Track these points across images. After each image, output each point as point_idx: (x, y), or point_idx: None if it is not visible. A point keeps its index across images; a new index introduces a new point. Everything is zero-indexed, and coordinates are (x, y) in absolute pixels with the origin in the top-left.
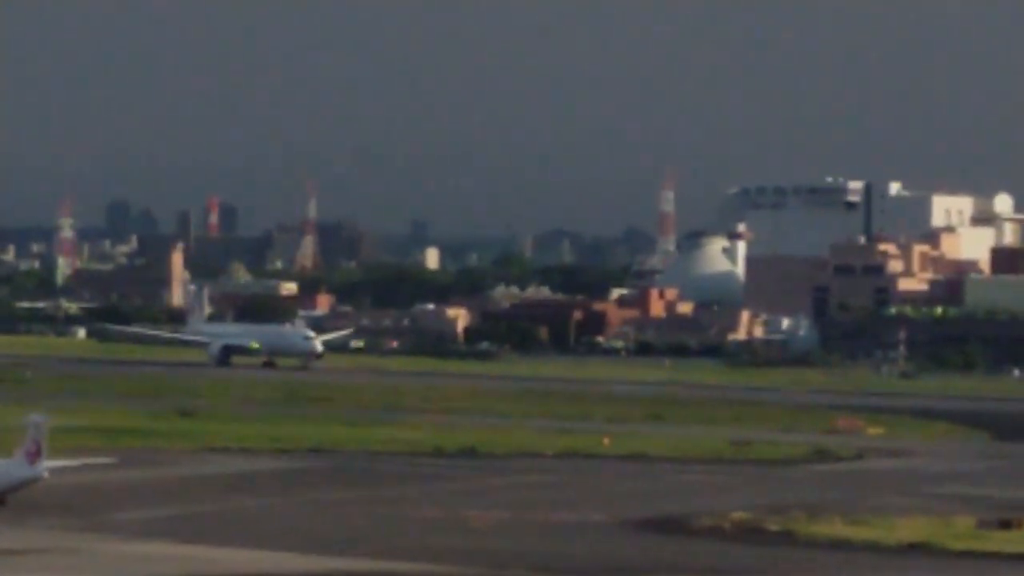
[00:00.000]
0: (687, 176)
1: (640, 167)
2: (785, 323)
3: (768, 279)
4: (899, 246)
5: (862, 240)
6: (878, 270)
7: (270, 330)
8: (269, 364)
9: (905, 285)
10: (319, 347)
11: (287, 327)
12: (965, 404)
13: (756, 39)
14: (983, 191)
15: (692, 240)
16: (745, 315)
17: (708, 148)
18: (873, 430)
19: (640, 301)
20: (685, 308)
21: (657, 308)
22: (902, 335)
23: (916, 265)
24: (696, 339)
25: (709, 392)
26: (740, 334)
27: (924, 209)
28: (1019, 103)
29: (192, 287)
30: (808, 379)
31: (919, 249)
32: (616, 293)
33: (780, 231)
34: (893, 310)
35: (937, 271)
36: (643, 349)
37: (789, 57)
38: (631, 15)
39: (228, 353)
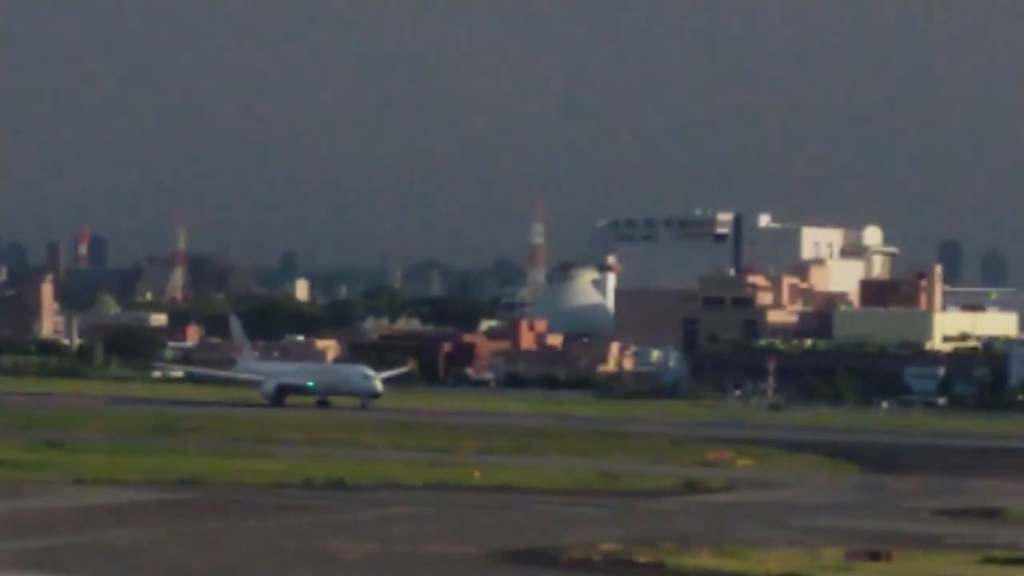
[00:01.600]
0: (557, 208)
1: (510, 199)
2: (654, 355)
3: (638, 311)
4: (769, 278)
5: (732, 272)
6: (747, 302)
7: (326, 368)
8: (323, 403)
9: (775, 317)
10: (379, 387)
11: (345, 366)
12: (834, 436)
13: (624, 71)
14: (853, 224)
15: (562, 272)
16: (614, 347)
17: (578, 180)
18: (743, 462)
19: (510, 333)
20: (555, 340)
21: (527, 340)
22: (771, 367)
23: (785, 297)
24: (566, 371)
25: (579, 424)
26: (610, 366)
27: (794, 241)
28: (887, 137)
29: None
30: (678, 411)
31: (789, 281)
32: (486, 325)
33: (650, 263)
34: (762, 342)
35: (806, 303)
36: (513, 381)
37: (658, 89)
38: (498, 45)
39: (283, 392)
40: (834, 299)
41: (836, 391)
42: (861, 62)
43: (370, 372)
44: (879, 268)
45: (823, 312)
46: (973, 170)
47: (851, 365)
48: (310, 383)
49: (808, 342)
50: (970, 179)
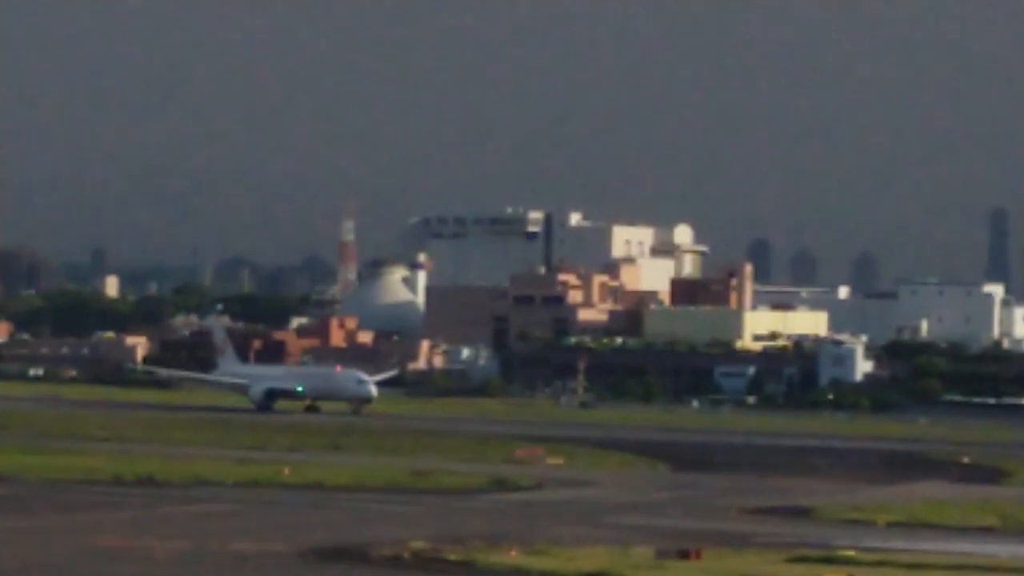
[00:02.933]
0: (368, 206)
1: (321, 196)
2: (465, 353)
3: (448, 309)
4: (579, 276)
5: (542, 270)
6: (558, 300)
7: (317, 372)
8: (312, 408)
9: (585, 315)
10: (374, 391)
11: (337, 369)
12: (645, 434)
13: (435, 67)
14: (663, 222)
15: (372, 270)
16: (425, 345)
17: (390, 178)
18: (553, 460)
19: (320, 330)
20: (365, 337)
21: (337, 338)
22: (581, 365)
23: (596, 295)
24: (376, 368)
25: (390, 422)
26: (420, 364)
27: (604, 240)
28: (697, 136)
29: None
30: (488, 409)
31: (599, 280)
32: (296, 322)
33: (461, 261)
34: (573, 340)
35: (617, 302)
36: None
37: (470, 86)
38: (304, 44)
39: (272, 397)
40: (644, 298)
41: (646, 389)
42: (670, 61)
43: (365, 377)
44: (689, 267)
45: (633, 310)
46: (783, 170)
47: (661, 363)
48: (299, 387)
49: (618, 340)
50: (779, 179)
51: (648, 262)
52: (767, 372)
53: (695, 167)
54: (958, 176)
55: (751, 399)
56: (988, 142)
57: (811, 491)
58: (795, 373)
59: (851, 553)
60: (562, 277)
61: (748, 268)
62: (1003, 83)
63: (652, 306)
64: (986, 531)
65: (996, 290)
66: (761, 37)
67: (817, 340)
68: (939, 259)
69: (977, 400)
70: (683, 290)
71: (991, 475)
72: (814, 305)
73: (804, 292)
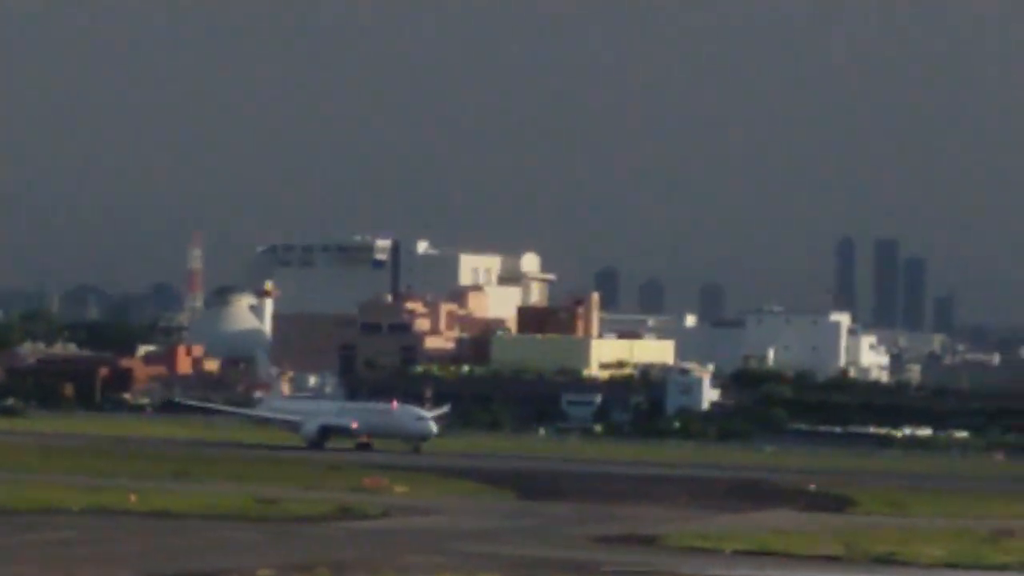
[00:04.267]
0: (216, 234)
1: (168, 223)
2: (312, 380)
3: (295, 336)
4: (426, 304)
5: (389, 298)
6: (405, 328)
7: (372, 408)
8: (364, 446)
9: (432, 343)
10: (434, 428)
11: (395, 405)
12: (491, 463)
13: (282, 98)
14: (511, 250)
15: (219, 297)
16: (272, 372)
17: (237, 205)
18: (399, 488)
19: (167, 358)
20: (212, 365)
21: (184, 365)
22: (429, 393)
23: (443, 323)
24: (223, 396)
25: (235, 450)
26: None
27: (452, 268)
28: (544, 163)
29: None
30: None
31: (446, 308)
32: (143, 350)
33: (308, 289)
34: (420, 368)
35: (464, 329)
36: (169, 406)
37: (319, 113)
38: (153, 69)
39: (326, 434)
40: (491, 325)
41: (493, 417)
42: (512, 87)
43: (424, 413)
44: (537, 295)
45: (480, 339)
46: (630, 198)
47: (508, 391)
48: (354, 423)
49: (466, 368)
50: (627, 207)
51: (495, 290)
52: (614, 400)
53: (543, 195)
54: (805, 206)
55: (598, 427)
56: (835, 172)
57: (658, 519)
58: (642, 401)
59: None
60: (409, 305)
61: (595, 296)
62: (846, 114)
63: (499, 334)
64: (831, 559)
65: (842, 319)
66: (594, 63)
67: (664, 369)
68: (786, 288)
69: (823, 428)
70: (530, 318)
71: (837, 503)
72: (661, 334)
73: (651, 321)
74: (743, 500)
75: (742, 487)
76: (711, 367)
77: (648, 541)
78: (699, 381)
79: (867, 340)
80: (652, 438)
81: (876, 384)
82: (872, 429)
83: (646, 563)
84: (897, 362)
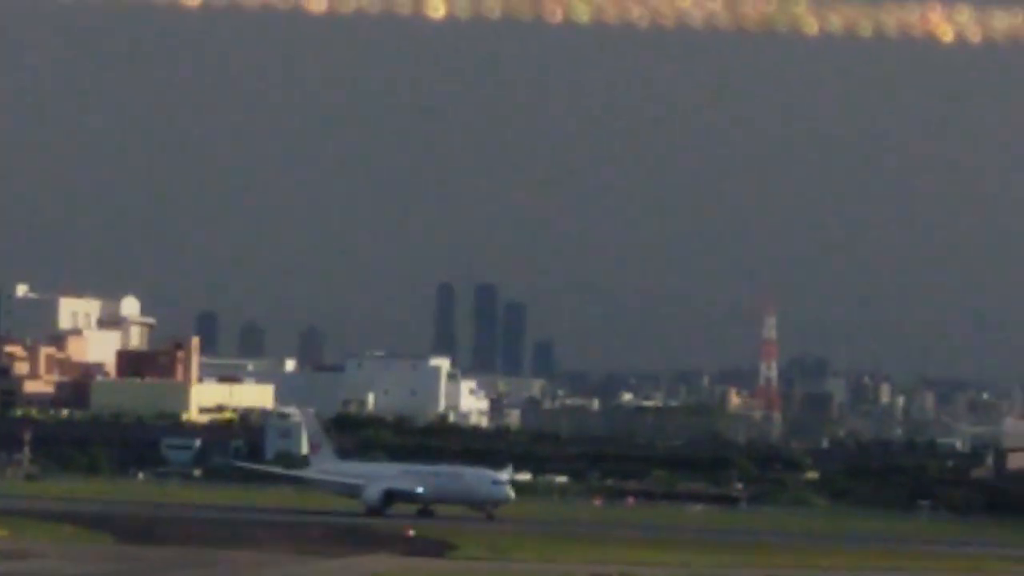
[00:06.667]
0: None
1: None
2: None
3: None
4: (25, 348)
5: None
6: (3, 372)
7: (442, 471)
8: (426, 513)
9: (31, 387)
10: (511, 494)
11: (468, 469)
12: (90, 507)
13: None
14: (111, 294)
15: None
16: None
17: None
18: None
19: None
20: None
21: None
22: (27, 437)
23: (43, 367)
24: None
25: None
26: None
27: (52, 311)
28: (150, 207)
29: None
30: None
31: (46, 351)
32: None
33: None
34: (19, 412)
35: (64, 373)
36: None
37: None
38: None
39: (390, 500)
40: (91, 369)
41: (92, 461)
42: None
43: (502, 477)
44: (137, 339)
45: (80, 382)
46: (231, 239)
47: (108, 435)
48: (420, 488)
49: (65, 412)
50: (228, 248)
51: (95, 334)
52: (214, 444)
53: (143, 238)
54: (406, 250)
55: (197, 471)
56: (435, 217)
57: (260, 563)
58: (242, 446)
59: None
60: (8, 348)
61: (195, 341)
62: (448, 160)
63: (99, 378)
64: None
65: (443, 363)
66: (329, 106)
67: (264, 412)
68: (386, 333)
69: None
70: (129, 362)
71: (438, 548)
72: (261, 378)
73: (251, 365)
74: (344, 545)
75: (344, 532)
76: (311, 411)
77: None
78: (298, 425)
79: (467, 385)
80: (253, 482)
81: (476, 428)
82: None
83: None
84: (497, 406)
